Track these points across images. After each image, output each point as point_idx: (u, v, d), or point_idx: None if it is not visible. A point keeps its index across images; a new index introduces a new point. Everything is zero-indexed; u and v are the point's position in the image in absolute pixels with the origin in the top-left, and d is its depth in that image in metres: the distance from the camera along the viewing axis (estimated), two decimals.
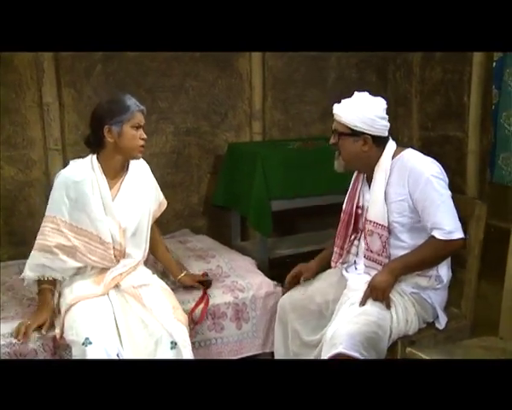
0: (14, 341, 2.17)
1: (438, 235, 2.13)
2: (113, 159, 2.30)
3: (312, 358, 2.29)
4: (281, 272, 3.01)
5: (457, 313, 2.41)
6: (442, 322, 2.27)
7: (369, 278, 2.21)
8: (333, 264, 2.42)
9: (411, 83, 3.99)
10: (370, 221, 2.25)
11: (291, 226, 3.80)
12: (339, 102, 2.26)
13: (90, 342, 2.06)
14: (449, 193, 2.17)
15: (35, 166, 3.24)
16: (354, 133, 2.20)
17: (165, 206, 2.57)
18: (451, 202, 2.16)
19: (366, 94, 2.26)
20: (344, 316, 2.10)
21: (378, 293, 2.12)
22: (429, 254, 2.18)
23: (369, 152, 2.23)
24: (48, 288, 2.29)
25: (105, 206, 2.28)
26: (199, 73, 3.55)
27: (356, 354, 1.96)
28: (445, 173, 2.20)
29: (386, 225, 2.19)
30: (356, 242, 2.36)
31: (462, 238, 2.15)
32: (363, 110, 2.19)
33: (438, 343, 2.23)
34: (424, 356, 2.05)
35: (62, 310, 2.24)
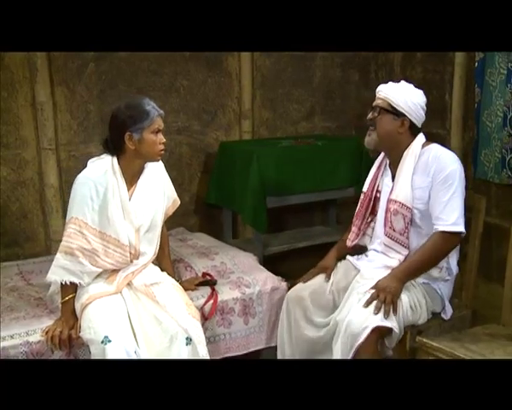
0: (30, 340, 2.17)
1: (440, 226, 2.22)
2: (132, 163, 2.31)
3: (318, 337, 2.34)
4: (274, 268, 3.07)
5: (458, 302, 2.51)
6: (448, 313, 2.36)
7: (385, 260, 2.28)
8: (349, 242, 2.50)
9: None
10: (396, 201, 2.30)
11: (283, 223, 3.86)
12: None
13: (110, 341, 2.08)
14: (463, 192, 2.26)
15: (28, 165, 3.20)
16: (395, 112, 2.27)
17: (179, 204, 2.58)
18: (462, 201, 2.24)
19: (411, 85, 2.35)
20: (359, 304, 2.16)
21: (387, 296, 2.13)
22: (431, 249, 2.23)
23: (403, 136, 2.30)
24: (73, 297, 2.27)
25: (123, 209, 2.29)
26: (189, 73, 3.56)
27: None
28: (464, 174, 2.29)
29: (410, 207, 2.26)
30: (372, 224, 2.46)
31: (462, 232, 2.23)
32: (408, 94, 2.28)
33: (444, 332, 2.31)
34: (435, 344, 2.15)
35: (78, 310, 2.25)
